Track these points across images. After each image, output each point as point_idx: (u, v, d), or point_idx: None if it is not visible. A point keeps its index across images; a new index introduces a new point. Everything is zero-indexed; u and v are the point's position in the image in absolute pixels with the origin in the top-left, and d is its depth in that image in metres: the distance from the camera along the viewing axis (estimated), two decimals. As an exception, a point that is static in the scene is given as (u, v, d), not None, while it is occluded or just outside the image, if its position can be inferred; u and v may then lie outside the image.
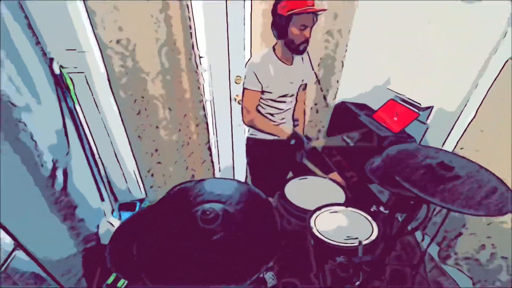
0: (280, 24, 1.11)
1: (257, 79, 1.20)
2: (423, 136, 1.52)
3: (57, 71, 1.24)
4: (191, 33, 1.31)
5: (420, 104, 1.45)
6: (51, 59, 1.23)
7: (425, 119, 1.53)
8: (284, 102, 1.32)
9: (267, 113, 1.34)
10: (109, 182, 1.63)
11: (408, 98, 1.52)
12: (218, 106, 1.70)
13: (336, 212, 1.01)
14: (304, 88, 1.43)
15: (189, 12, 1.27)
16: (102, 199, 1.48)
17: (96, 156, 1.46)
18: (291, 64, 1.28)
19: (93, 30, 1.18)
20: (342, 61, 1.64)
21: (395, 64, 1.68)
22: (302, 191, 1.15)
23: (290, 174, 1.45)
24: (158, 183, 1.72)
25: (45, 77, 1.21)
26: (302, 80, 1.35)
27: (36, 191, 1.04)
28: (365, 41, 1.63)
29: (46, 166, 1.08)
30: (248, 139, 1.45)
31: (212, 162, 1.76)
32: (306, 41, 1.15)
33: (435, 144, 1.49)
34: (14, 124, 0.97)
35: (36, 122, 1.06)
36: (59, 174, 1.16)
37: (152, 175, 1.67)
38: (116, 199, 1.68)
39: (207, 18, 1.41)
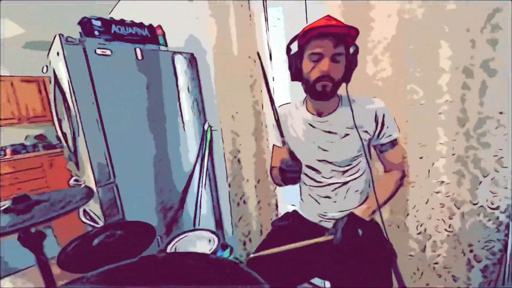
0: (292, 62, 0.85)
1: (275, 132, 1.02)
2: None
3: (205, 128, 1.96)
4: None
5: None
6: (206, 120, 1.98)
7: None
8: (320, 172, 0.93)
9: (306, 186, 1.01)
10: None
11: None
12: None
13: None
14: (382, 149, 0.88)
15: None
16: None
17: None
18: (326, 115, 0.89)
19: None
20: None
21: None
22: None
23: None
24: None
25: (196, 130, 1.97)
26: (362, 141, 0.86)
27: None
28: None
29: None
30: (292, 211, 1.14)
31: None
32: (326, 77, 0.78)
33: None
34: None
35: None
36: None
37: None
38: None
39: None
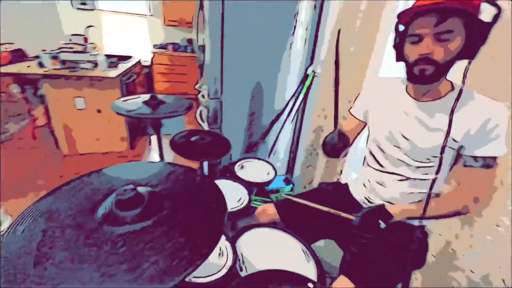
0: (396, 39, 0.76)
1: (360, 101, 0.98)
2: None
3: (308, 72, 1.95)
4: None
5: None
6: (308, 67, 1.94)
7: None
8: (388, 157, 0.87)
9: (365, 166, 0.99)
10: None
11: None
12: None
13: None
14: (468, 162, 0.72)
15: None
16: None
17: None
18: (426, 101, 0.78)
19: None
20: None
21: None
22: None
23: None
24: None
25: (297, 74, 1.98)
26: (448, 141, 0.69)
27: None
28: None
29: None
30: (344, 184, 1.17)
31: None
32: (426, 60, 0.66)
33: None
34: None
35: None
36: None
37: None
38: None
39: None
